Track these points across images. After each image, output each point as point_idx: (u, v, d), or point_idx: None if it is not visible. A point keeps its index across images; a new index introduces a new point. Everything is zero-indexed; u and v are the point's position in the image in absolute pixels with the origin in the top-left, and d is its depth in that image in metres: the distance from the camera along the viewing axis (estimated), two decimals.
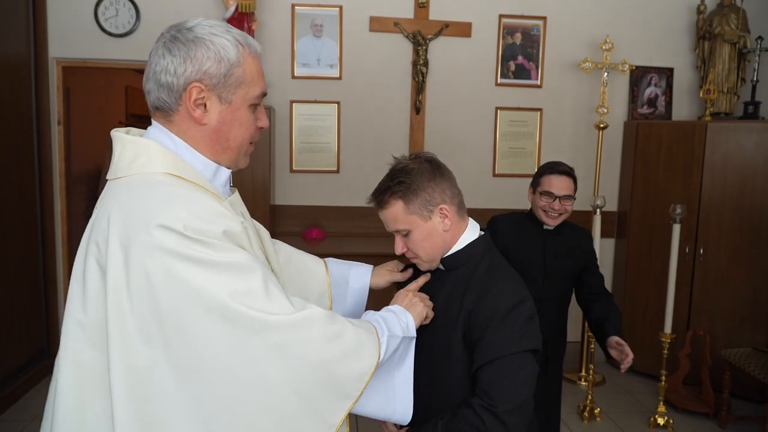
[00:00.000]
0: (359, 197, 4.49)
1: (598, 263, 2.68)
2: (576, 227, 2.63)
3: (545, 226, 2.53)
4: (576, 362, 4.54)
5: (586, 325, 4.32)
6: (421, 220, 1.46)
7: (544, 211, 2.48)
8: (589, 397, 3.77)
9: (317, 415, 1.15)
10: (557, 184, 2.46)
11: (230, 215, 1.16)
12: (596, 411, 3.75)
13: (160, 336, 1.06)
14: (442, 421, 1.42)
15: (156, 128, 1.23)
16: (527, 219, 2.59)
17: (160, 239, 1.05)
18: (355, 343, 1.20)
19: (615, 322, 2.45)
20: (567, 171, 2.49)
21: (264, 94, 1.27)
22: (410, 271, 1.67)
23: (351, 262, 1.72)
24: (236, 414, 1.09)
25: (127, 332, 1.07)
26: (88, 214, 5.28)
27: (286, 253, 1.63)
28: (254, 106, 1.25)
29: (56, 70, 4.20)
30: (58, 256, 4.34)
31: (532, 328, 1.44)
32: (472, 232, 1.55)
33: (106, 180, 1.24)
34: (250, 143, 1.29)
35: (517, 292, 1.46)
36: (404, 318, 1.40)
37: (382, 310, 1.43)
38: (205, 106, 1.19)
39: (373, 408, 1.35)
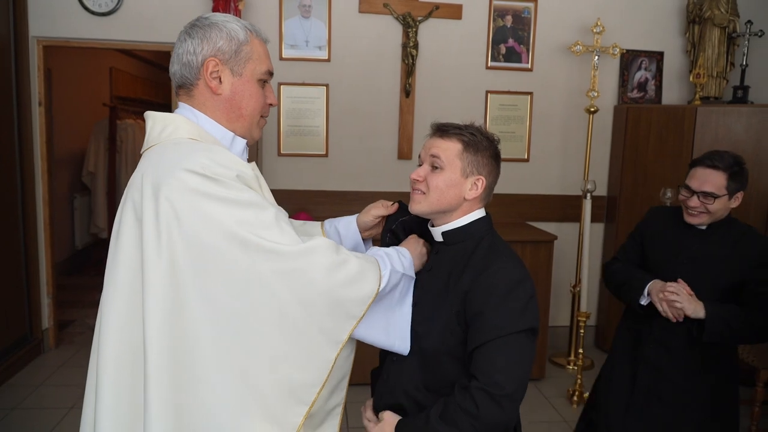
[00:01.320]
0: (348, 181, 4.46)
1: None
2: (753, 234, 2.24)
3: (698, 226, 2.24)
4: (564, 346, 4.55)
5: (575, 308, 4.34)
6: (460, 171, 1.49)
7: (685, 206, 2.23)
8: (578, 381, 3.78)
9: (325, 331, 1.32)
10: (698, 177, 2.18)
11: (244, 163, 1.35)
12: (585, 395, 3.76)
13: (188, 262, 1.23)
14: (434, 409, 1.40)
15: (180, 107, 1.44)
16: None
17: (185, 180, 1.24)
18: (358, 270, 1.35)
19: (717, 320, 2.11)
20: (715, 164, 2.16)
21: (270, 73, 1.47)
22: (396, 205, 1.68)
23: (342, 217, 1.80)
24: (251, 330, 1.26)
25: (159, 267, 1.23)
26: (71, 198, 5.21)
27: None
28: (262, 82, 1.45)
29: (37, 50, 4.09)
30: (40, 240, 4.26)
31: (531, 308, 1.42)
32: (478, 213, 1.54)
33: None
34: (262, 117, 1.49)
35: (517, 271, 1.43)
36: (407, 257, 1.51)
37: (389, 248, 1.54)
38: (219, 78, 1.39)
39: (376, 336, 1.45)
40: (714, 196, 2.13)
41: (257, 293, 1.25)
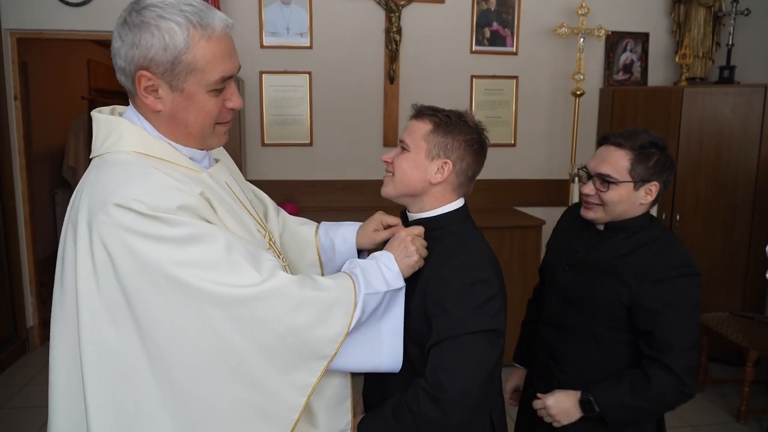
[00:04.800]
0: (334, 170, 4.40)
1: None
2: (665, 243, 1.66)
3: (596, 225, 1.75)
4: None
5: None
6: (424, 153, 1.42)
7: (582, 195, 1.74)
8: None
9: (291, 376, 1.17)
10: (597, 155, 1.70)
11: (186, 189, 1.14)
12: None
13: (127, 313, 1.08)
14: (391, 401, 1.37)
15: (128, 110, 1.24)
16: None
17: (116, 218, 1.07)
18: (325, 307, 1.19)
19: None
20: (620, 141, 1.65)
21: (226, 78, 1.19)
22: (394, 229, 1.59)
23: (341, 223, 1.66)
24: (207, 383, 1.11)
25: (96, 311, 1.09)
26: (52, 194, 5.11)
27: (283, 220, 1.63)
28: (216, 91, 1.19)
29: (10, 42, 3.98)
30: (21, 238, 4.18)
31: (489, 310, 1.34)
32: (454, 204, 1.48)
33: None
34: (219, 124, 1.25)
35: (479, 270, 1.36)
36: (391, 268, 1.34)
37: (370, 257, 1.39)
38: (157, 92, 1.16)
39: (357, 362, 1.32)
40: (609, 181, 1.63)
41: (208, 344, 1.09)
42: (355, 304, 1.23)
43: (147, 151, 1.18)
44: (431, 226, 1.45)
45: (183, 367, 1.10)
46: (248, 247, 1.18)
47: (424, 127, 1.43)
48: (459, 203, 1.48)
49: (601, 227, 1.73)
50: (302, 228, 1.63)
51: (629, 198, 1.64)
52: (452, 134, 1.42)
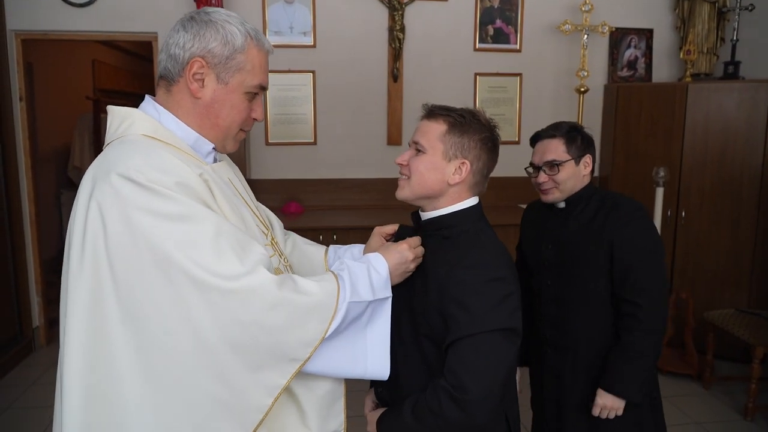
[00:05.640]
0: (338, 169, 4.40)
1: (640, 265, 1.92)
2: (615, 197, 2.02)
3: (557, 205, 2.06)
4: None
5: None
6: (441, 154, 1.41)
7: (537, 186, 2.06)
8: None
9: (260, 374, 1.17)
10: (538, 150, 2.04)
11: (187, 168, 1.20)
12: None
13: (109, 276, 1.12)
14: (409, 401, 1.36)
15: (145, 101, 1.34)
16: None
17: (116, 186, 1.12)
18: (303, 311, 1.19)
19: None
20: (550, 133, 2.01)
21: (263, 88, 1.35)
22: (396, 227, 1.60)
23: (350, 245, 1.68)
24: (174, 366, 1.13)
25: (80, 274, 1.13)
26: (57, 194, 5.13)
27: (292, 241, 1.66)
28: (251, 95, 1.33)
29: (15, 44, 4.00)
30: (27, 238, 4.20)
31: (507, 307, 1.33)
32: (468, 202, 1.46)
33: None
34: (242, 130, 1.37)
35: (495, 268, 1.35)
36: (380, 272, 1.34)
37: (363, 258, 1.38)
38: (203, 82, 1.28)
39: (339, 368, 1.30)
40: (557, 164, 1.96)
41: (179, 324, 1.12)
42: (335, 310, 1.23)
43: (156, 136, 1.27)
44: (445, 223, 1.44)
45: (155, 343, 1.12)
46: (238, 236, 1.19)
47: (438, 127, 1.41)
48: (473, 201, 1.47)
49: (562, 204, 2.05)
50: (311, 247, 1.66)
51: (575, 173, 1.99)
52: (468, 134, 1.40)
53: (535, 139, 2.07)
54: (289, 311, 1.17)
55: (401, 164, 1.46)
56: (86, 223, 1.13)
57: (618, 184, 4.40)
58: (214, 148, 1.35)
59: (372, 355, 1.33)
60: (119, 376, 1.14)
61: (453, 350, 1.31)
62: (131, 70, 7.60)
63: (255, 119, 1.38)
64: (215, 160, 1.39)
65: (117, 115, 1.30)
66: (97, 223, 1.12)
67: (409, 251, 1.39)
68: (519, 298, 1.38)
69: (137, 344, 1.13)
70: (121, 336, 1.13)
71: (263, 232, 1.40)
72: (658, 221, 3.55)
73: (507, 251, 1.45)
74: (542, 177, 2.00)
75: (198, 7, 3.79)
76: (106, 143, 1.29)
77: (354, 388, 1.49)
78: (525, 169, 2.08)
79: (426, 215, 1.48)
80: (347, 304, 1.24)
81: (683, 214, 4.09)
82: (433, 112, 1.44)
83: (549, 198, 2.02)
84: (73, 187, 6.34)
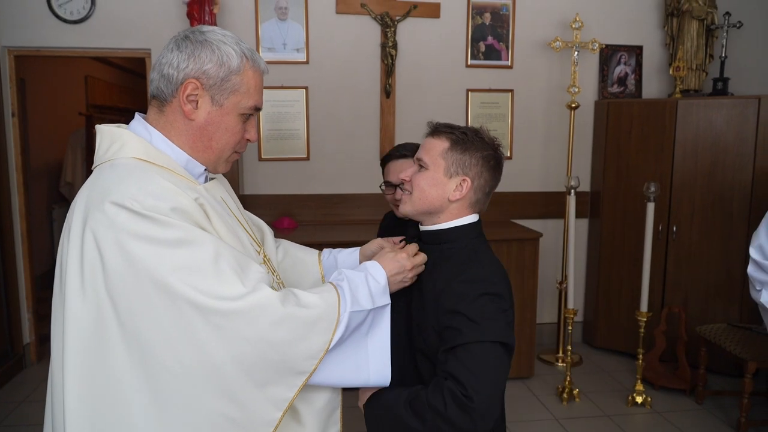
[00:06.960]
0: (331, 184, 4.41)
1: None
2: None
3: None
4: (553, 343, 4.54)
5: (562, 305, 4.33)
6: (443, 171, 1.44)
7: (392, 203, 2.10)
8: (568, 377, 3.76)
9: (267, 390, 1.17)
10: (393, 170, 2.11)
11: (182, 193, 1.19)
12: (575, 392, 3.75)
13: (111, 311, 1.10)
14: (406, 394, 1.35)
15: (135, 120, 1.31)
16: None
17: (110, 215, 1.11)
18: (308, 324, 1.19)
19: None
20: (402, 153, 2.10)
21: (257, 109, 1.33)
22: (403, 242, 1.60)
23: (344, 249, 1.71)
24: (182, 389, 1.12)
25: (83, 311, 1.12)
26: (49, 210, 5.10)
27: (283, 248, 1.67)
28: (245, 117, 1.31)
29: (8, 60, 4.00)
30: (18, 254, 4.17)
31: (503, 322, 1.35)
32: (468, 219, 1.49)
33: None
34: (235, 152, 1.35)
35: (492, 284, 1.38)
36: (379, 281, 1.35)
37: (360, 267, 1.39)
38: (196, 103, 1.26)
39: (342, 378, 1.31)
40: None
41: (185, 349, 1.11)
42: (338, 321, 1.23)
43: (148, 158, 1.24)
44: (443, 238, 1.47)
45: (161, 368, 1.11)
46: (237, 257, 1.19)
47: (441, 144, 1.45)
48: (473, 218, 1.49)
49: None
50: (303, 253, 1.67)
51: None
52: (470, 151, 1.44)
53: (386, 160, 2.17)
54: (293, 325, 1.17)
55: (404, 180, 1.49)
56: (83, 253, 1.12)
57: (609, 200, 4.43)
58: (206, 170, 1.34)
59: (374, 362, 1.34)
60: (125, 399, 1.13)
61: (457, 354, 1.31)
62: (124, 86, 7.61)
63: (249, 140, 1.36)
64: (207, 179, 1.38)
65: (106, 136, 1.27)
66: (93, 254, 1.11)
67: (407, 260, 1.41)
68: (513, 315, 1.41)
69: (143, 368, 1.12)
70: (125, 360, 1.11)
71: (256, 250, 1.41)
72: (649, 236, 3.57)
73: (504, 269, 1.47)
74: (399, 194, 1.88)
75: (191, 24, 3.81)
76: (95, 165, 1.27)
77: (348, 404, 1.48)
78: (380, 186, 2.11)
79: (425, 228, 1.51)
80: (348, 313, 1.25)
81: (674, 228, 4.11)
82: (436, 130, 1.48)
83: (406, 209, 2.00)
84: (65, 202, 6.33)
